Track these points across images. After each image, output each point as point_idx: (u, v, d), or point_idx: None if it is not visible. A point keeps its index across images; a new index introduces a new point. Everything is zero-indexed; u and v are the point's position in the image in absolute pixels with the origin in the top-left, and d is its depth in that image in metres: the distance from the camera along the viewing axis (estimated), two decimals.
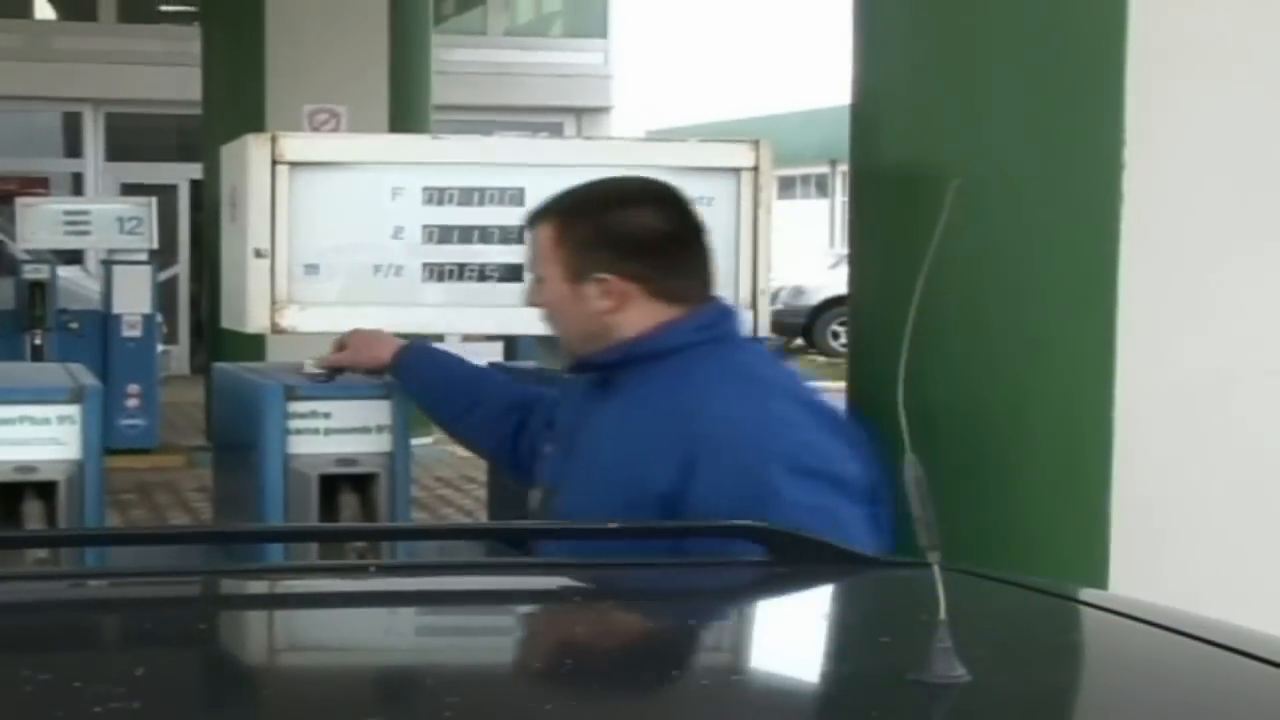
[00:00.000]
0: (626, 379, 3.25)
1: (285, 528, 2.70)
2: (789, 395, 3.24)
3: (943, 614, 1.66)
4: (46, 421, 4.37)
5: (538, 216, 3.40)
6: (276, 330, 4.41)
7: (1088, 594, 2.44)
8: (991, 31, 4.14)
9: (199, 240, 17.92)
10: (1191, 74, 4.01)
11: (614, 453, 3.24)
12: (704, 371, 3.17)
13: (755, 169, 4.54)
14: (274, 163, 4.36)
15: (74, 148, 23.20)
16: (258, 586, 2.37)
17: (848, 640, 2.13)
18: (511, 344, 9.36)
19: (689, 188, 4.54)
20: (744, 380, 3.19)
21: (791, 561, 2.38)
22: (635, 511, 3.00)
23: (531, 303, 3.45)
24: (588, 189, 3.41)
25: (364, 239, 4.47)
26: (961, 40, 4.20)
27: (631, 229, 3.29)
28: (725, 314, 3.34)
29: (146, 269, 13.36)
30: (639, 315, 3.24)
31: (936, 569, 1.70)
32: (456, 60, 20.74)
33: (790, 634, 2.12)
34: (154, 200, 14.00)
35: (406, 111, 13.09)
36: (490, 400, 3.93)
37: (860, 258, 4.67)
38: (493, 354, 7.58)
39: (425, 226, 4.46)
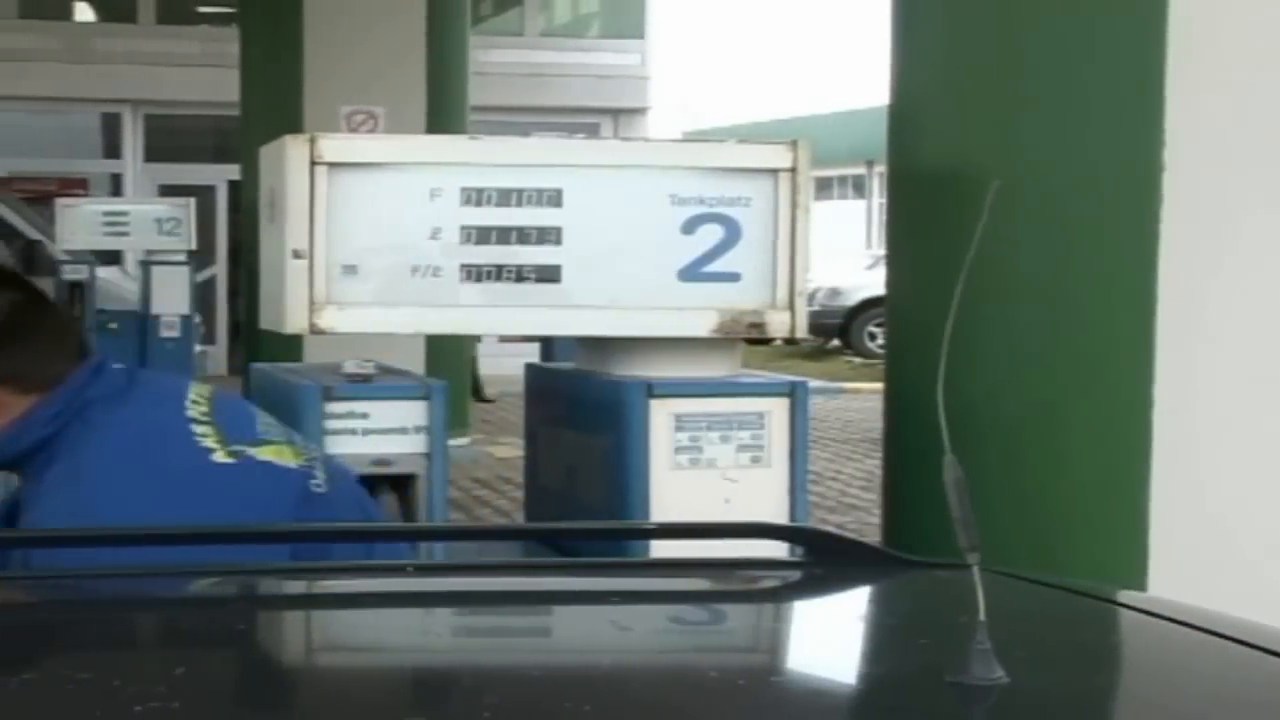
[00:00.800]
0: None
1: (322, 528, 2.71)
2: (92, 479, 2.82)
3: (981, 615, 1.65)
4: None
5: None
6: (314, 331, 4.42)
7: (1126, 596, 2.43)
8: (1030, 33, 4.13)
9: (238, 241, 17.97)
10: (1231, 75, 4.00)
11: None
12: (49, 471, 2.86)
13: (793, 170, 4.54)
14: (312, 163, 4.37)
15: (113, 149, 23.30)
16: (293, 586, 2.37)
17: (886, 641, 2.12)
18: (548, 345, 9.37)
19: (726, 189, 4.55)
20: (60, 479, 2.83)
21: (830, 563, 2.38)
22: None
23: None
24: None
25: (402, 240, 4.48)
26: (999, 41, 4.19)
27: None
28: (82, 386, 2.91)
29: (184, 269, 13.42)
30: (22, 412, 2.88)
31: (975, 570, 1.70)
32: (493, 61, 20.76)
33: (828, 635, 2.11)
34: (192, 201, 14.07)
35: (444, 112, 13.11)
36: None
37: (897, 258, 4.66)
38: (529, 355, 7.58)
39: (463, 227, 4.47)
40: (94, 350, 3.01)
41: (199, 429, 2.92)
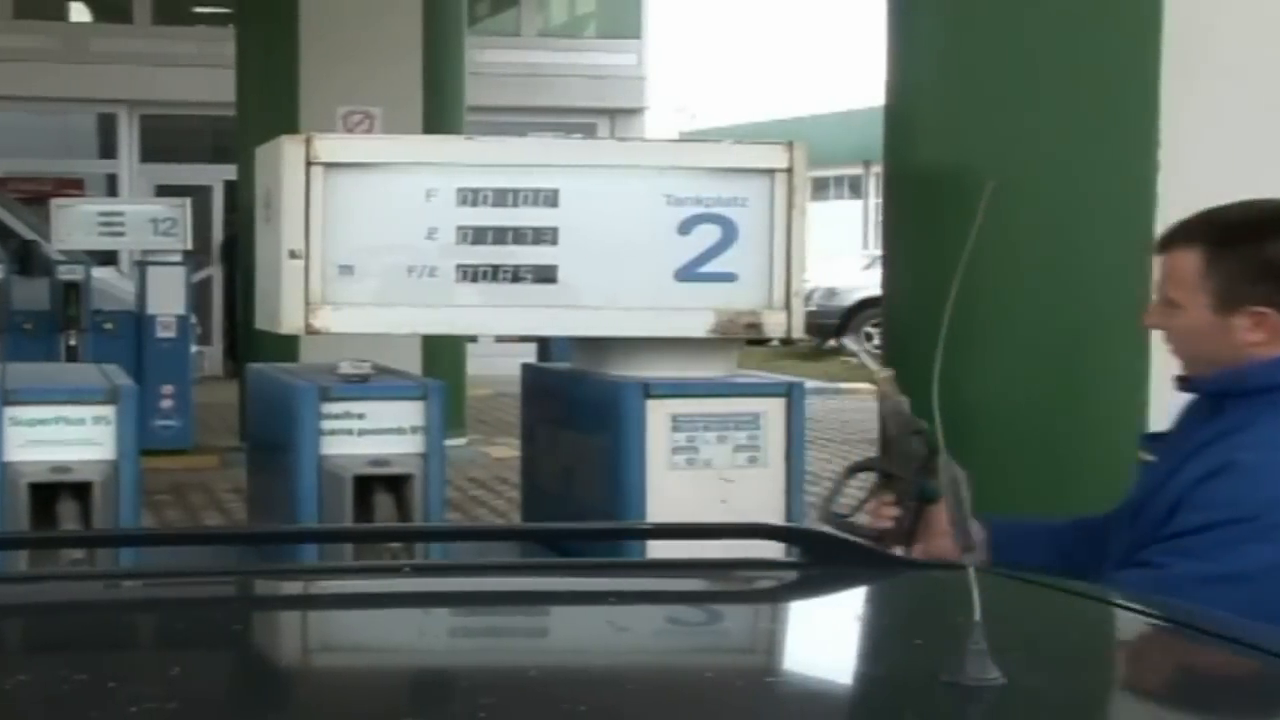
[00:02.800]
0: (1235, 407, 3.01)
1: (319, 528, 2.70)
2: None
3: (977, 616, 1.66)
4: (82, 422, 4.39)
5: (1176, 240, 3.10)
6: (310, 331, 4.42)
7: (1120, 596, 2.44)
8: (1026, 34, 4.14)
9: (232, 241, 17.97)
10: (1225, 77, 4.00)
11: (1170, 480, 3.01)
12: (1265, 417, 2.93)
13: (789, 170, 4.54)
14: (309, 164, 4.37)
15: (109, 149, 23.26)
16: (292, 587, 2.38)
17: (882, 642, 2.12)
18: (545, 345, 9.37)
19: (722, 189, 4.55)
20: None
21: (826, 563, 2.38)
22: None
23: (1156, 325, 3.16)
24: (1233, 214, 3.13)
25: (398, 240, 4.48)
26: (995, 42, 4.20)
27: None
28: None
29: (180, 270, 13.39)
30: None
31: (971, 571, 1.70)
32: (490, 61, 20.74)
33: (824, 635, 2.12)
34: (188, 201, 14.03)
35: (440, 113, 13.09)
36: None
37: (894, 259, 4.67)
38: (526, 355, 7.58)
39: (459, 227, 4.47)
40: None
41: None
